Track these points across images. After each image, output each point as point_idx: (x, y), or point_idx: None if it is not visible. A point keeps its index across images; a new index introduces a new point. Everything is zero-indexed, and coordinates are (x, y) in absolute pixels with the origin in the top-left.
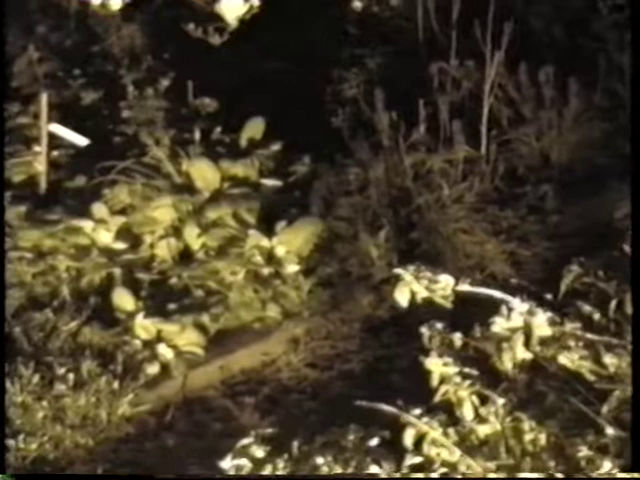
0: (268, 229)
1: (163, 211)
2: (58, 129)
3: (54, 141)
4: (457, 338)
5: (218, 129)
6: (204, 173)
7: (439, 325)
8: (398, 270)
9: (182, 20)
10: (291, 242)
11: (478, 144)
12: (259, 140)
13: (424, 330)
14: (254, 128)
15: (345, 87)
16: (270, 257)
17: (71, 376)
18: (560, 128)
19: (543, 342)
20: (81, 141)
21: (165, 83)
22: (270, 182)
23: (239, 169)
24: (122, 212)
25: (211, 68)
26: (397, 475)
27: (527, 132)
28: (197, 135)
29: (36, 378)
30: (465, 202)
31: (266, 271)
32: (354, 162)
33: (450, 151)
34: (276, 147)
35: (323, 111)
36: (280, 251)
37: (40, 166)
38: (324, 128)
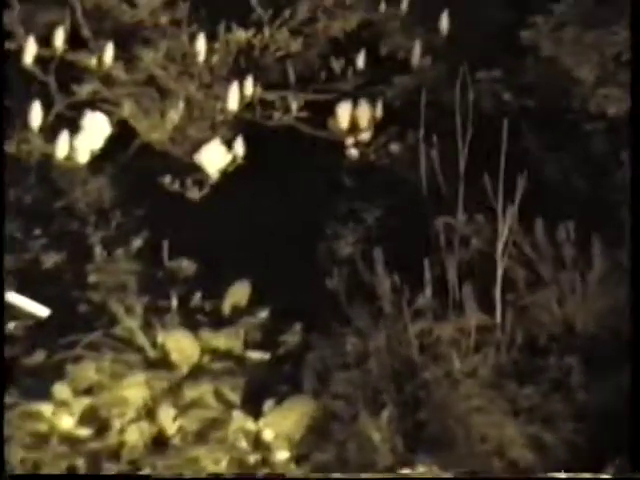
0: (254, 409)
1: (135, 390)
2: (15, 298)
3: (10, 312)
4: None
5: (198, 295)
6: (182, 345)
7: None
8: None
9: (157, 172)
10: (280, 424)
11: (492, 310)
12: (244, 307)
13: None
14: (238, 293)
15: (341, 245)
16: (257, 442)
17: None
18: (584, 292)
19: None
20: (41, 311)
21: (137, 243)
22: (257, 355)
23: (221, 340)
24: (87, 392)
25: (189, 226)
26: None
27: (547, 296)
28: (174, 302)
29: None
30: (479, 377)
31: (252, 458)
32: (352, 331)
33: (460, 318)
34: (263, 314)
35: (316, 272)
36: (268, 435)
37: None
38: (317, 292)
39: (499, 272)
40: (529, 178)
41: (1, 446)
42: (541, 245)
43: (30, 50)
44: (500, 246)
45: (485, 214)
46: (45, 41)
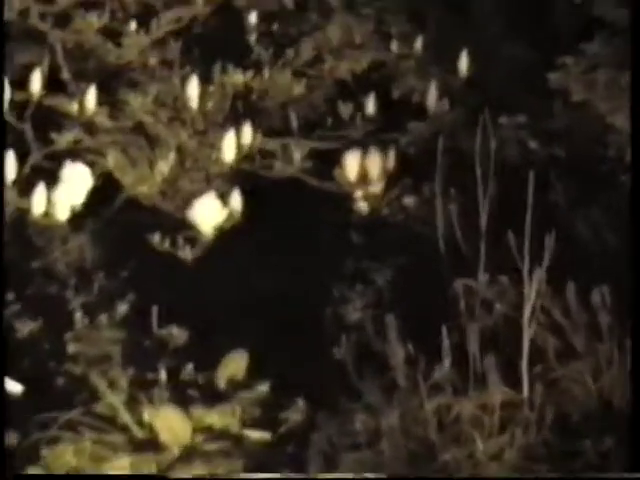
0: None
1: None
2: None
3: None
4: None
5: (189, 366)
6: (171, 424)
7: None
8: None
9: (145, 229)
10: None
11: (518, 384)
12: (241, 380)
13: None
14: (235, 365)
15: (349, 310)
16: None
17: None
18: (622, 365)
19: None
20: (13, 387)
21: (123, 308)
22: (256, 434)
23: (216, 418)
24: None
25: (181, 289)
26: None
27: (580, 369)
28: (162, 374)
29: None
30: (505, 460)
31: None
32: (362, 407)
33: (483, 393)
34: (263, 388)
35: (321, 341)
36: None
37: None
38: (323, 363)
39: (526, 341)
40: (558, 236)
41: (1, 446)
42: (573, 311)
43: (4, 95)
44: (527, 312)
45: (510, 275)
46: (20, 84)
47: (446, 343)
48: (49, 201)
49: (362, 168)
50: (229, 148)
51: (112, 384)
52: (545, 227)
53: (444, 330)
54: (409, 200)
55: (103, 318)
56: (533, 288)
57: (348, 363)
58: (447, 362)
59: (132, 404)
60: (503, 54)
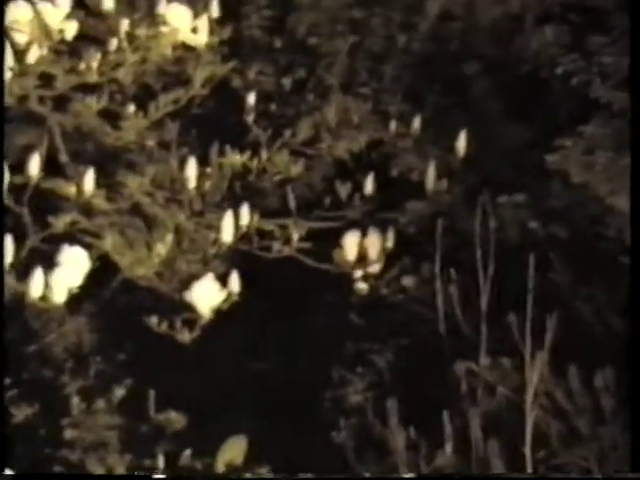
0: None
1: None
2: None
3: None
4: None
5: (187, 452)
6: None
7: None
8: None
9: (142, 311)
10: None
11: (522, 469)
12: (240, 465)
13: None
14: (234, 450)
15: (348, 392)
16: None
17: None
18: (627, 449)
19: None
20: (6, 473)
21: (120, 393)
22: None
23: None
24: None
25: (179, 373)
26: None
27: (585, 454)
28: (160, 461)
29: None
30: None
31: None
32: None
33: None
34: (262, 472)
35: (321, 425)
36: None
37: None
38: (323, 447)
39: (529, 425)
40: (560, 317)
41: (1, 446)
42: (576, 394)
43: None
44: (529, 395)
45: (511, 358)
46: (19, 167)
47: (448, 427)
48: (46, 284)
49: (361, 248)
50: (227, 229)
51: (109, 471)
52: (546, 308)
53: (445, 414)
54: (408, 280)
55: (100, 403)
56: (535, 371)
57: (348, 447)
58: (449, 447)
59: None
60: (501, 134)
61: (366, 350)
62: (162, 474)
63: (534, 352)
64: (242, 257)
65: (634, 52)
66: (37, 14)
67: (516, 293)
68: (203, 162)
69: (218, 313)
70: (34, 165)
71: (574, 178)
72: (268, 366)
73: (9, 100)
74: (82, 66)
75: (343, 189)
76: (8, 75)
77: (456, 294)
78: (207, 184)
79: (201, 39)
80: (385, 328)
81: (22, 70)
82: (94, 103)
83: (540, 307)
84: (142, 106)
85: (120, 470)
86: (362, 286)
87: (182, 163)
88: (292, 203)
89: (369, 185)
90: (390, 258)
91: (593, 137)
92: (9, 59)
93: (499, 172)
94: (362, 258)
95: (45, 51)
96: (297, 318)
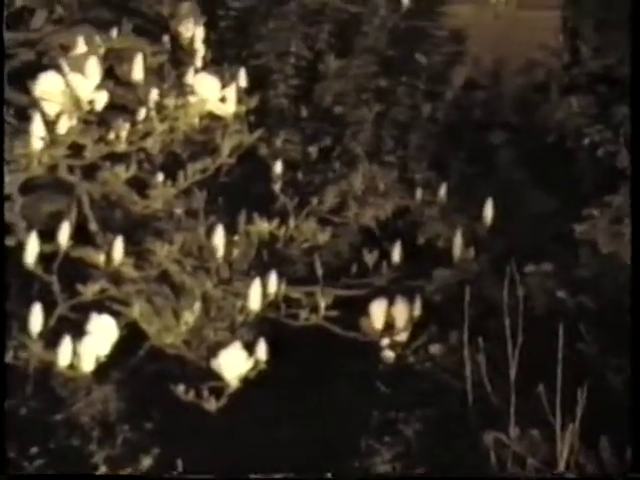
0: None
1: None
2: None
3: None
4: None
5: None
6: None
7: None
8: None
9: (169, 379)
10: None
11: None
12: None
13: None
14: None
15: (376, 462)
16: None
17: None
18: None
19: None
20: None
21: (147, 462)
22: None
23: None
24: None
25: (205, 441)
26: None
27: None
28: None
29: None
30: None
31: None
32: None
33: None
34: None
35: None
36: None
37: None
38: None
39: None
40: (591, 388)
41: (1, 446)
42: (608, 467)
43: (32, 247)
44: (560, 467)
45: (541, 429)
46: (48, 235)
47: None
48: (74, 353)
49: (388, 316)
50: (254, 297)
51: None
52: (576, 379)
53: None
54: (436, 349)
55: (127, 472)
56: (566, 443)
57: None
58: None
59: None
60: (528, 203)
61: (393, 419)
62: None
63: (564, 423)
64: (269, 325)
65: None
66: (68, 85)
67: (545, 363)
68: (231, 230)
69: (245, 381)
70: (64, 233)
71: (602, 248)
72: (295, 435)
73: (39, 169)
74: (111, 136)
75: (370, 257)
76: (39, 145)
77: (484, 363)
78: (235, 252)
79: (229, 108)
80: (412, 397)
81: (52, 140)
82: (123, 172)
83: (570, 378)
84: (170, 175)
85: None
86: (389, 354)
87: (210, 231)
88: (319, 271)
89: (396, 253)
90: (417, 326)
91: (621, 207)
92: (40, 129)
93: (526, 241)
94: (389, 326)
95: (75, 121)
96: (324, 386)
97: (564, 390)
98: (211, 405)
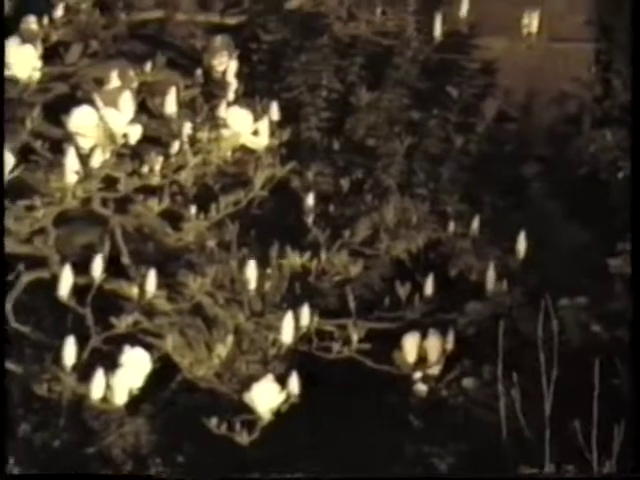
0: None
1: None
2: None
3: None
4: None
5: None
6: None
7: None
8: None
9: (202, 412)
10: None
11: None
12: None
13: None
14: None
15: None
16: None
17: None
18: None
19: None
20: None
21: None
22: None
23: None
24: None
25: (237, 474)
26: None
27: None
28: None
29: None
30: None
31: None
32: None
33: None
34: None
35: None
36: None
37: None
38: None
39: None
40: (628, 422)
41: (1, 446)
42: None
43: (66, 280)
44: None
45: (577, 465)
46: (82, 268)
47: None
48: (107, 385)
49: (420, 349)
50: (287, 330)
51: None
52: (613, 414)
53: None
54: (468, 382)
55: None
56: None
57: None
58: None
59: None
60: (561, 236)
61: (426, 453)
62: None
63: (601, 460)
64: (301, 358)
65: None
66: (101, 119)
67: (581, 398)
68: (263, 263)
69: (277, 414)
70: (97, 266)
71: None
72: (327, 467)
73: (73, 202)
74: (144, 169)
75: (402, 289)
76: (73, 178)
77: (519, 398)
78: (267, 285)
79: (261, 141)
80: (445, 431)
81: (86, 173)
82: (156, 205)
83: (606, 412)
84: (203, 207)
85: None
86: (422, 388)
87: (242, 264)
88: (351, 304)
89: (428, 286)
90: (450, 360)
91: None
92: (74, 163)
93: (559, 274)
94: (422, 359)
95: (108, 155)
96: (356, 420)
97: (600, 423)
98: (243, 438)
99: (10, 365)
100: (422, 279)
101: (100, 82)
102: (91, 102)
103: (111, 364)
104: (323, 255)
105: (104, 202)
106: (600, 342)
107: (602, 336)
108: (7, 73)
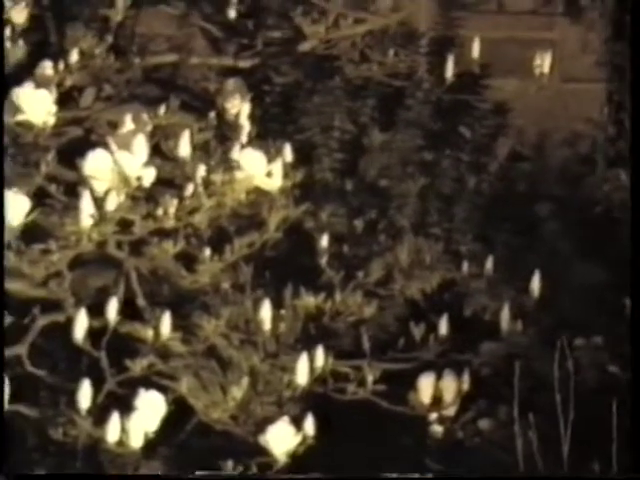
0: None
1: None
2: None
3: None
4: None
5: None
6: None
7: None
8: None
9: (217, 455)
10: None
11: None
12: None
13: None
14: None
15: None
16: None
17: None
18: None
19: None
20: None
21: None
22: None
23: None
24: None
25: None
26: None
27: None
28: None
29: None
30: None
31: None
32: None
33: None
34: None
35: None
36: None
37: None
38: None
39: None
40: None
41: (1, 445)
42: None
43: (81, 323)
44: None
45: None
46: (96, 311)
47: None
48: (123, 429)
49: (436, 390)
50: (302, 371)
51: None
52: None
53: None
54: (485, 423)
55: None
56: None
57: None
58: None
59: None
60: (575, 275)
61: None
62: None
63: None
64: (317, 400)
65: None
66: (116, 162)
67: (599, 440)
68: (277, 304)
69: (293, 457)
70: (112, 309)
71: None
72: None
73: (88, 245)
74: (159, 211)
75: (417, 330)
76: (88, 222)
77: (536, 439)
78: (281, 326)
79: (275, 183)
80: (462, 473)
81: (101, 217)
82: (170, 247)
83: (625, 455)
84: (217, 249)
85: None
86: (437, 429)
87: (256, 305)
88: (366, 344)
89: (443, 326)
90: (466, 400)
91: None
92: (89, 206)
93: (575, 313)
94: (437, 400)
95: (123, 198)
96: (372, 462)
97: (619, 467)
98: None
99: (25, 409)
100: (436, 319)
101: (114, 125)
102: (105, 145)
103: (126, 407)
104: (337, 296)
105: (119, 245)
106: (617, 382)
107: (619, 376)
108: (22, 118)
